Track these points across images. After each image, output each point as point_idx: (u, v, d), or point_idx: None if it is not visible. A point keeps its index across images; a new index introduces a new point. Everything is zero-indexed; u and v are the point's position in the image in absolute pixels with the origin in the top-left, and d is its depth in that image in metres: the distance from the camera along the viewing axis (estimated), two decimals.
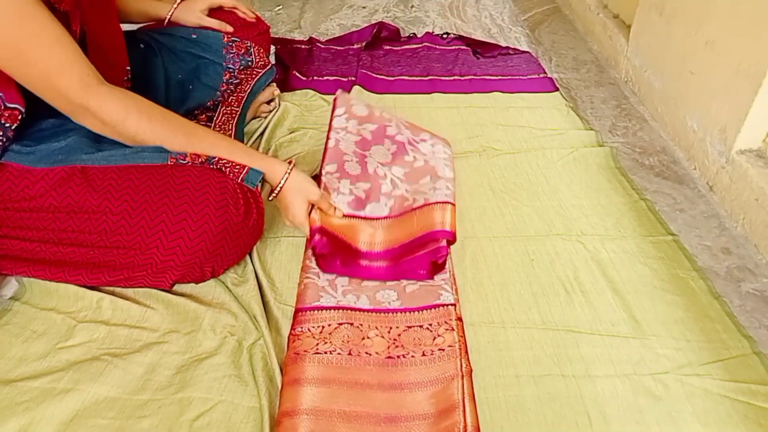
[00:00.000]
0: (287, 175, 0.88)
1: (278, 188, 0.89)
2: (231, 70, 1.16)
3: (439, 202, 0.95)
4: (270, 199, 0.91)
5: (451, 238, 0.90)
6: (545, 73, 1.55)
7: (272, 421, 0.69)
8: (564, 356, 0.78)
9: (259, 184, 0.86)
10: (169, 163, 0.84)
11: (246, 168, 0.91)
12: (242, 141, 1.15)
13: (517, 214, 1.04)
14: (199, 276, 0.84)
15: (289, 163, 0.90)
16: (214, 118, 1.12)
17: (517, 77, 1.53)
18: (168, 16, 1.16)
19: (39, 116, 0.84)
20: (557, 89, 1.47)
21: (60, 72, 0.75)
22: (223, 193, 0.82)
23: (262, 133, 1.24)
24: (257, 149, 1.17)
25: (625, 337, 0.81)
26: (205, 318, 0.82)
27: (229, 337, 0.80)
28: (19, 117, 0.80)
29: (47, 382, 0.73)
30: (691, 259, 0.94)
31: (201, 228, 0.79)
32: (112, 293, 0.85)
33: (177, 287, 0.87)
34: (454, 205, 0.96)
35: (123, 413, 0.70)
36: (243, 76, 1.18)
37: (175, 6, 1.15)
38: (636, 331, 0.82)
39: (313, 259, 0.89)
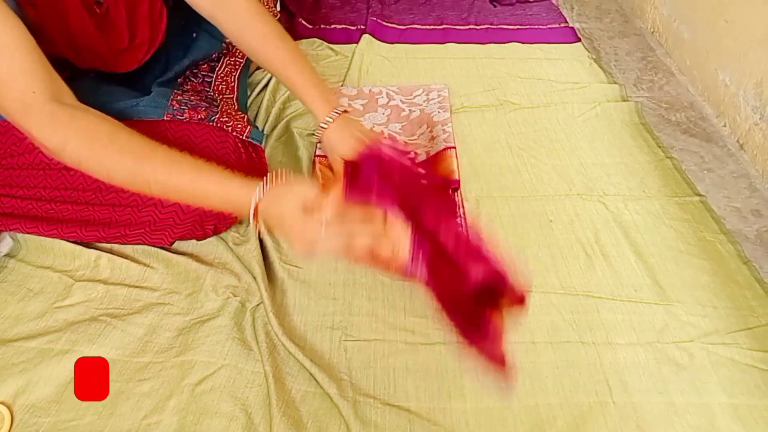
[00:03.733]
0: (254, 201, 0.64)
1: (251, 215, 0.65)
2: None
3: (439, 152, 0.97)
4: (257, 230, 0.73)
5: (456, 185, 0.91)
6: (566, 22, 1.46)
7: (278, 385, 0.66)
8: (583, 322, 0.75)
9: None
10: (165, 118, 0.79)
11: (248, 126, 0.86)
12: (245, 93, 1.09)
13: (536, 173, 0.99)
14: (200, 233, 0.81)
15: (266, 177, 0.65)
16: (216, 69, 1.06)
17: (537, 27, 1.44)
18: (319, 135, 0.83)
19: None
20: (579, 40, 1.38)
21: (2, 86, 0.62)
22: (224, 147, 0.77)
23: (266, 85, 1.18)
24: (262, 102, 1.11)
25: (648, 303, 0.77)
26: (206, 278, 0.79)
27: (231, 298, 0.76)
28: None
29: (44, 343, 0.70)
30: (719, 222, 0.89)
31: None
32: (110, 251, 0.82)
33: (177, 245, 0.83)
34: (454, 148, 0.97)
35: (122, 375, 0.68)
36: None
37: (330, 120, 0.80)
38: (660, 297, 0.77)
39: None
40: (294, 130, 1.05)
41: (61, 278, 0.79)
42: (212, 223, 0.79)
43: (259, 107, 1.10)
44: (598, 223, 0.89)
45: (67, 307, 0.75)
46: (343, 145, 0.79)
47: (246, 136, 0.83)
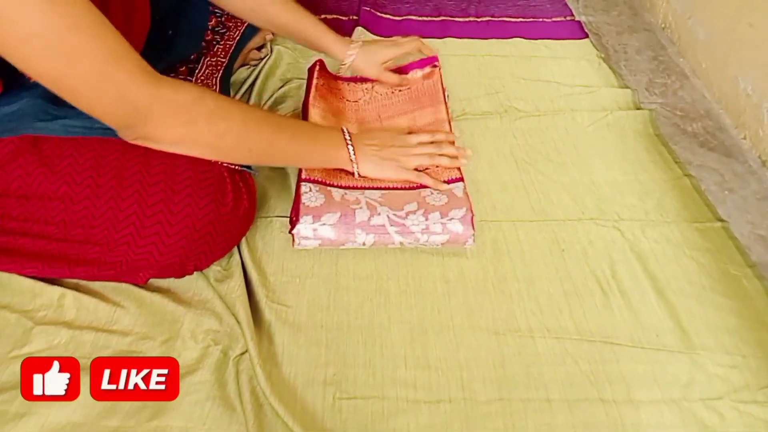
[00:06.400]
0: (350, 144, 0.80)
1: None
2: (218, 15, 0.99)
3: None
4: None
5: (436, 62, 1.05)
6: (572, 15, 1.37)
7: None
8: (602, 374, 0.68)
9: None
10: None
11: None
12: (228, 96, 0.99)
13: (544, 192, 0.91)
14: (179, 273, 0.72)
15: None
16: (196, 72, 0.96)
17: (541, 20, 1.35)
18: (347, 63, 1.00)
19: None
20: (586, 36, 1.29)
21: (117, 60, 0.56)
22: (208, 178, 0.69)
23: (252, 84, 1.08)
24: (246, 102, 1.02)
25: (671, 352, 0.70)
26: (184, 321, 0.70)
27: (212, 346, 0.68)
28: None
29: None
30: (744, 252, 0.82)
31: (182, 222, 0.66)
32: (76, 287, 0.73)
33: (152, 280, 0.74)
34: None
35: None
36: (231, 23, 1.01)
37: (354, 52, 0.99)
38: (684, 344, 0.71)
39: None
40: None
41: (19, 320, 0.70)
42: (193, 262, 0.71)
43: None
44: (613, 253, 0.82)
45: (25, 356, 0.67)
46: (375, 58, 1.00)
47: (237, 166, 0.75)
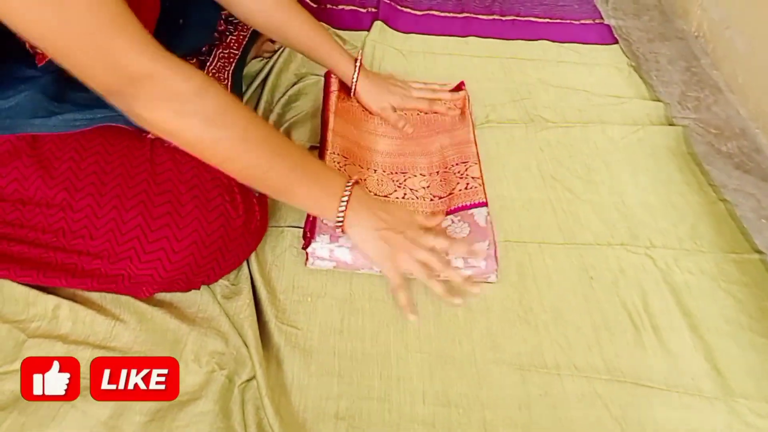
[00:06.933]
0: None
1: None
2: None
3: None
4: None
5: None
6: (601, 18, 1.31)
7: None
8: (634, 421, 0.63)
9: None
10: (150, 136, 0.64)
11: None
12: (240, 90, 0.94)
13: (572, 212, 0.86)
14: (184, 288, 0.67)
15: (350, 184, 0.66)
16: (207, 64, 0.90)
17: (568, 21, 1.29)
18: (353, 84, 0.89)
19: None
20: (616, 41, 1.23)
21: (116, 24, 0.50)
22: (217, 187, 0.63)
23: (265, 79, 1.02)
24: (259, 103, 0.96)
25: (707, 398, 0.66)
26: (187, 342, 0.65)
27: (217, 371, 0.63)
28: None
29: None
30: None
31: (189, 237, 0.61)
32: (73, 297, 0.68)
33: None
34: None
35: None
36: None
37: (356, 73, 0.89)
38: (721, 389, 0.66)
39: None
40: (295, 142, 0.90)
41: (11, 332, 0.65)
42: (201, 278, 0.66)
43: (255, 111, 0.95)
44: (645, 284, 0.77)
45: (14, 373, 0.62)
46: (373, 96, 0.91)
47: None
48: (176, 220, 0.61)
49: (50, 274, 0.64)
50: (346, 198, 0.64)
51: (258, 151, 0.59)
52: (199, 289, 0.69)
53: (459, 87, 0.99)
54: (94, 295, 0.69)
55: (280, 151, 0.62)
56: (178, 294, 0.70)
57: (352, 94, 0.91)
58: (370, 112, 0.92)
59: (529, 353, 0.68)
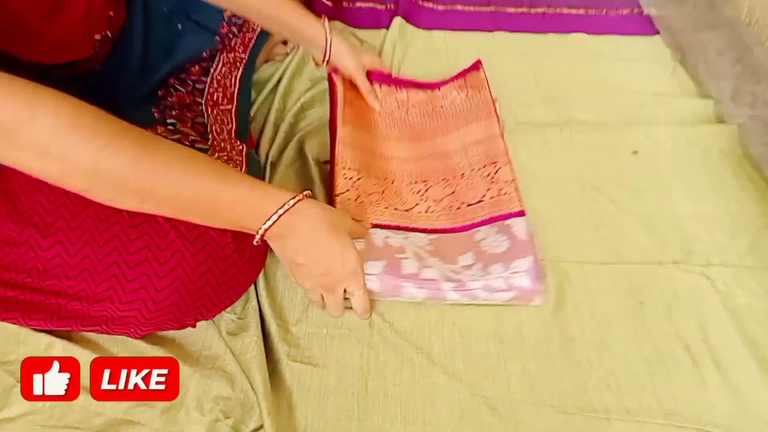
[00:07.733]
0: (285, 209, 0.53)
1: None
2: None
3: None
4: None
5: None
6: (639, 8, 1.21)
7: None
8: None
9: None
10: None
11: (244, 161, 0.65)
12: (247, 100, 0.87)
13: (616, 226, 0.77)
14: (177, 327, 0.61)
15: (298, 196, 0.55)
16: (211, 71, 0.83)
17: (605, 12, 1.19)
18: (327, 50, 0.82)
19: None
20: (657, 32, 1.13)
21: None
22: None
23: (276, 85, 0.95)
24: (269, 114, 0.89)
25: None
26: (189, 386, 0.59)
27: (221, 420, 0.57)
28: None
29: None
30: None
31: (172, 273, 0.55)
32: (67, 335, 0.62)
33: None
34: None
35: None
36: None
37: (328, 35, 0.82)
38: None
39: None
40: (308, 155, 0.83)
41: (0, 375, 0.60)
42: (192, 317, 0.59)
43: (265, 120, 0.88)
44: (703, 308, 0.68)
45: (4, 422, 0.57)
46: (350, 56, 0.84)
47: None
48: (156, 254, 0.54)
49: (34, 317, 0.59)
50: (282, 212, 0.53)
51: (117, 182, 0.46)
52: (194, 326, 0.63)
53: (475, 66, 0.90)
54: (88, 333, 0.63)
55: (158, 167, 0.47)
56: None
57: (326, 59, 0.83)
58: (402, 86, 0.89)
59: (571, 393, 0.60)
